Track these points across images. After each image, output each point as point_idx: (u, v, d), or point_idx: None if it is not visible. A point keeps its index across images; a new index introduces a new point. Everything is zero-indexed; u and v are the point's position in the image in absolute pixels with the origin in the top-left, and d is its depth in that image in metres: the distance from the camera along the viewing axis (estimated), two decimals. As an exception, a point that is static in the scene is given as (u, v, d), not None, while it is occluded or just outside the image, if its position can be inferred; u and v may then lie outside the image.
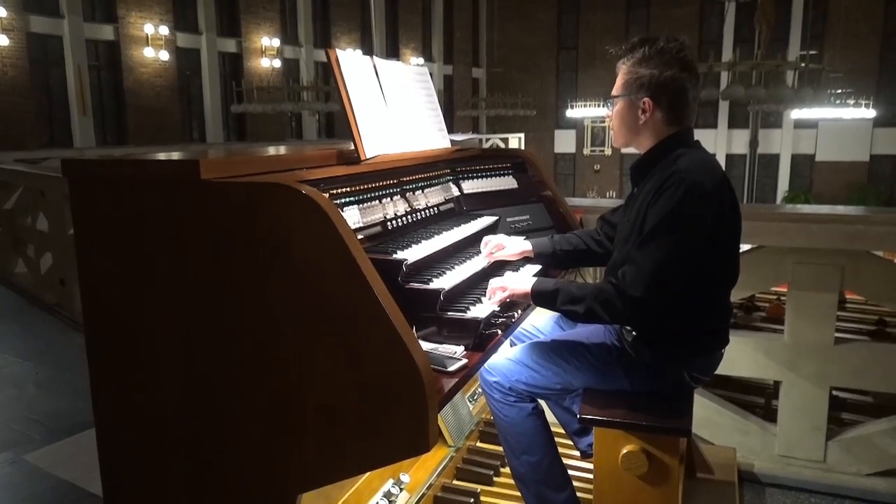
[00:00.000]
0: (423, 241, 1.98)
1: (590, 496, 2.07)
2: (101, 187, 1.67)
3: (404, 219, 2.14)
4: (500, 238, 2.24)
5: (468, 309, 1.79)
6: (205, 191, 1.49)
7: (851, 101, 16.39)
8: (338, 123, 20.22)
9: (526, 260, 2.28)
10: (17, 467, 3.15)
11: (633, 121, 1.96)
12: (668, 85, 1.89)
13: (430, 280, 1.81)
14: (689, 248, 1.78)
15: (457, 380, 1.52)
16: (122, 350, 1.70)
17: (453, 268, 1.98)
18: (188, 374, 1.62)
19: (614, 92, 1.99)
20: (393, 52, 21.93)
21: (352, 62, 2.03)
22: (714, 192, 1.81)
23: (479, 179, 2.68)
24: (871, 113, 17.05)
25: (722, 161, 23.17)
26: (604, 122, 23.18)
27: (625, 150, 21.62)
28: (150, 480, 1.75)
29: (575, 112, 20.82)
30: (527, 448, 2.10)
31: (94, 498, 2.75)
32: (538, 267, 2.30)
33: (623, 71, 1.96)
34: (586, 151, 25.33)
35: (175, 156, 1.92)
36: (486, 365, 2.12)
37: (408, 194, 2.22)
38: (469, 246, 2.26)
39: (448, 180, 2.56)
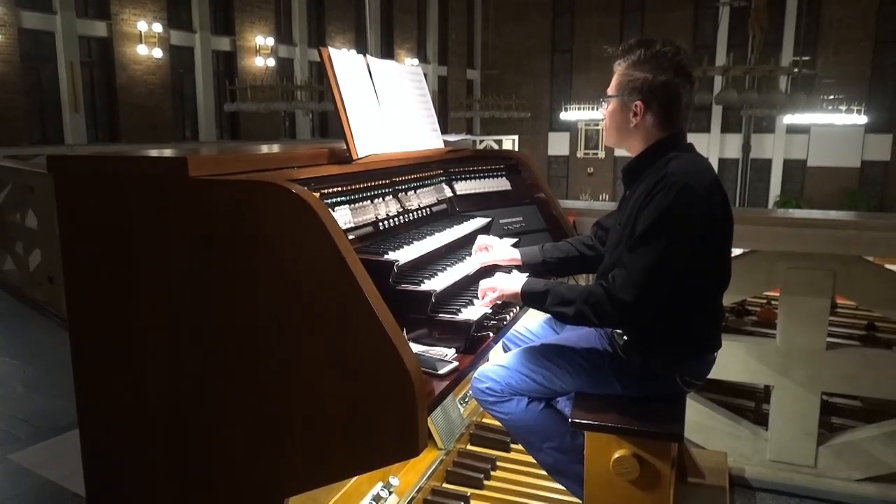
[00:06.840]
0: (414, 242, 1.96)
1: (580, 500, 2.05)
2: (87, 184, 1.64)
3: (396, 219, 2.12)
4: (488, 239, 2.22)
5: (460, 311, 1.78)
6: (192, 189, 1.47)
7: (844, 107, 16.44)
8: (331, 123, 20.17)
9: (515, 269, 2.26)
10: (2, 467, 3.11)
11: (624, 123, 1.95)
12: (661, 90, 1.88)
13: (422, 281, 1.79)
14: (679, 252, 1.77)
15: (448, 382, 1.50)
16: (107, 350, 1.68)
17: (445, 269, 1.96)
18: (174, 375, 1.59)
19: (609, 91, 1.98)
20: (387, 53, 21.88)
21: (345, 60, 2.02)
22: (705, 195, 1.80)
23: (473, 180, 2.66)
24: (862, 119, 17.11)
25: (714, 165, 22.99)
26: (597, 125, 23.22)
27: (618, 153, 21.75)
28: (134, 482, 1.73)
29: (569, 115, 20.79)
30: (544, 436, 2.07)
31: (80, 499, 2.70)
32: (531, 269, 2.29)
33: (618, 72, 1.95)
34: (579, 154, 25.35)
35: (164, 153, 1.90)
36: (476, 374, 2.10)
37: (400, 195, 2.20)
38: (461, 247, 2.24)
39: (441, 181, 2.54)
